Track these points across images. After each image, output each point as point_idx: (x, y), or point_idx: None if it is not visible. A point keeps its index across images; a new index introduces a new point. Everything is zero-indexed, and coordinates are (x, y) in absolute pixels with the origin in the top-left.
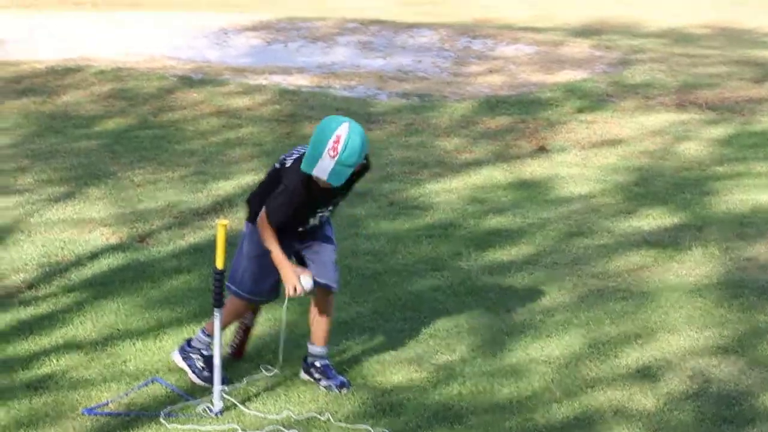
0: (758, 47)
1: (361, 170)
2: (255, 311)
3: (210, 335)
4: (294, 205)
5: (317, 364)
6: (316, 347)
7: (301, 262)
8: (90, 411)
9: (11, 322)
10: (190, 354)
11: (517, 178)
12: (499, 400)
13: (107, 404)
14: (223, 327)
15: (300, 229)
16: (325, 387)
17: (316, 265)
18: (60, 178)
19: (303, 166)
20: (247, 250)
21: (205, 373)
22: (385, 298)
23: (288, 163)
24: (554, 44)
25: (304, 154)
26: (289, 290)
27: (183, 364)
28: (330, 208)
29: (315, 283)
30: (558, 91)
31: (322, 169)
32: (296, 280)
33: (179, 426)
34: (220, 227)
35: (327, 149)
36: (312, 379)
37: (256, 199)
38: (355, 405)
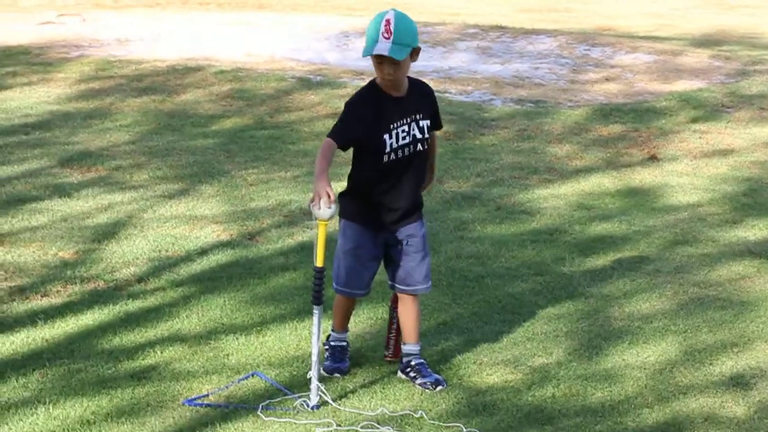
0: None
1: (426, 88)
2: (395, 307)
3: (333, 330)
4: (360, 117)
5: (413, 362)
6: (408, 345)
7: (388, 261)
8: (190, 402)
9: (119, 314)
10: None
11: (625, 185)
12: (592, 403)
13: (207, 396)
14: (336, 324)
15: (383, 176)
16: (420, 385)
17: (402, 270)
18: (175, 175)
19: (363, 53)
20: (340, 244)
21: (327, 363)
22: (486, 301)
23: None
24: (673, 54)
25: None
26: (309, 200)
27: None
28: (408, 126)
29: (331, 214)
30: (673, 100)
31: (382, 49)
32: (321, 197)
33: (276, 419)
34: (321, 225)
35: (381, 32)
36: (408, 378)
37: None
38: (450, 404)
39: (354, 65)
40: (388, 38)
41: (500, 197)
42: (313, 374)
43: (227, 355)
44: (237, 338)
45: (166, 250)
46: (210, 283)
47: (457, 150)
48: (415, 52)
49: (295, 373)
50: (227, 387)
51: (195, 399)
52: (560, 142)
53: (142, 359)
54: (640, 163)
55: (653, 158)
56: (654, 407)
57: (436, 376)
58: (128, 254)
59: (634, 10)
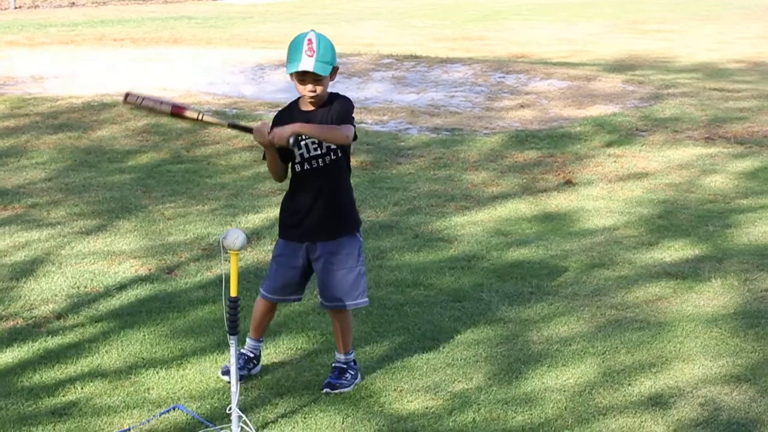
0: None
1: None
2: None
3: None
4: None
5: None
6: (339, 355)
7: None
8: None
9: (38, 351)
10: (342, 378)
11: (542, 211)
12: (512, 427)
13: (129, 430)
14: (250, 329)
15: (300, 185)
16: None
17: (320, 284)
18: (92, 211)
19: (288, 70)
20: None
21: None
22: (405, 329)
23: None
24: (587, 79)
25: None
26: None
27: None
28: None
29: (241, 245)
30: (588, 125)
31: (307, 65)
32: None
33: None
34: (233, 256)
35: (304, 51)
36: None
37: None
38: (371, 431)
39: (270, 97)
40: (311, 56)
41: (418, 225)
42: (233, 406)
43: (148, 389)
44: (157, 372)
45: (85, 286)
46: (129, 317)
47: (374, 179)
48: (334, 71)
49: (216, 405)
50: (149, 421)
51: None
52: (476, 169)
53: (63, 395)
54: (556, 188)
55: (569, 183)
56: (574, 429)
57: (335, 382)
58: (46, 291)
59: (548, 37)
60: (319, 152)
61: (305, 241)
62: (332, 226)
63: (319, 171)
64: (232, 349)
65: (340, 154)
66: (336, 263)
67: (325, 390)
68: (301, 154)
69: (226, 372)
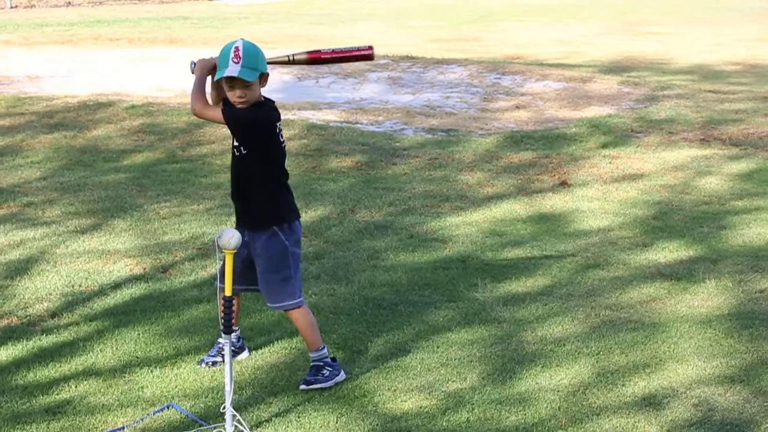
0: None
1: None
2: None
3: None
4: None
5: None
6: (312, 353)
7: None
8: None
9: (33, 350)
10: (315, 376)
11: (537, 211)
12: (506, 427)
13: (123, 429)
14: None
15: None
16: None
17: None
18: (87, 210)
19: (215, 78)
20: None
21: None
22: (399, 329)
23: None
24: (582, 80)
25: None
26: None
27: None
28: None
29: (236, 245)
30: (583, 126)
31: (233, 71)
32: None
33: None
34: (228, 255)
35: (231, 58)
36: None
37: None
38: (365, 430)
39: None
40: (237, 62)
41: (413, 225)
42: (227, 404)
43: (142, 387)
44: (151, 371)
45: (80, 285)
46: (124, 316)
47: (369, 180)
48: (264, 78)
49: (210, 403)
50: (142, 419)
51: (111, 431)
52: (471, 169)
53: (57, 394)
54: (551, 189)
55: (564, 184)
56: (568, 429)
57: (310, 378)
58: (41, 290)
59: (543, 38)
60: (235, 143)
61: (241, 228)
62: (248, 220)
63: (235, 161)
64: (227, 348)
65: (244, 152)
66: (261, 265)
67: (301, 387)
68: (232, 141)
69: (201, 362)
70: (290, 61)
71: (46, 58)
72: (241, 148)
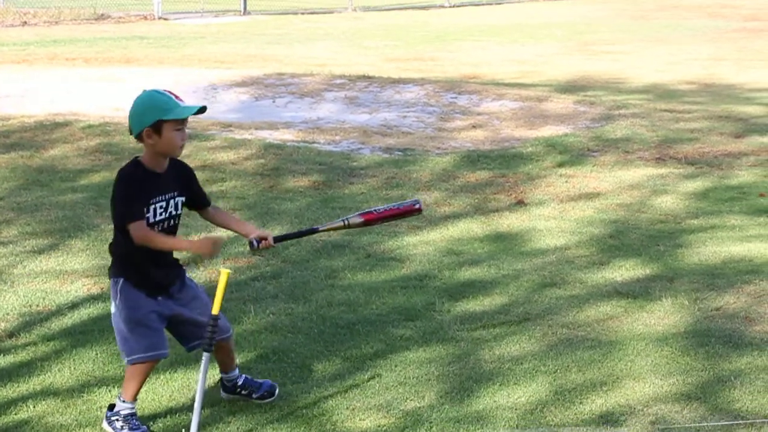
0: (741, 102)
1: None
2: None
3: (125, 401)
4: (134, 194)
5: (239, 382)
6: (232, 372)
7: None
8: None
9: None
10: (112, 418)
11: (494, 230)
12: None
13: None
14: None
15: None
16: (258, 399)
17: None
18: (44, 230)
19: (179, 114)
20: (124, 316)
21: (124, 431)
22: (357, 347)
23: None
24: (539, 100)
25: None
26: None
27: (109, 429)
28: (166, 202)
29: None
30: (539, 145)
31: (181, 111)
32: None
33: None
34: (223, 274)
35: (173, 98)
36: (241, 397)
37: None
38: None
39: (222, 117)
40: (181, 100)
41: (370, 245)
42: (194, 424)
43: (100, 407)
44: (110, 390)
45: (37, 305)
46: (81, 336)
47: (326, 199)
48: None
49: (168, 423)
50: None
51: None
52: (428, 189)
53: (15, 414)
54: (507, 208)
55: (520, 203)
56: None
57: (268, 382)
58: None
59: (499, 58)
60: (164, 216)
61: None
62: (178, 271)
63: (172, 227)
64: (203, 366)
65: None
66: (200, 301)
67: (276, 391)
68: (148, 218)
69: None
70: (346, 226)
71: (2, 78)
72: (179, 217)
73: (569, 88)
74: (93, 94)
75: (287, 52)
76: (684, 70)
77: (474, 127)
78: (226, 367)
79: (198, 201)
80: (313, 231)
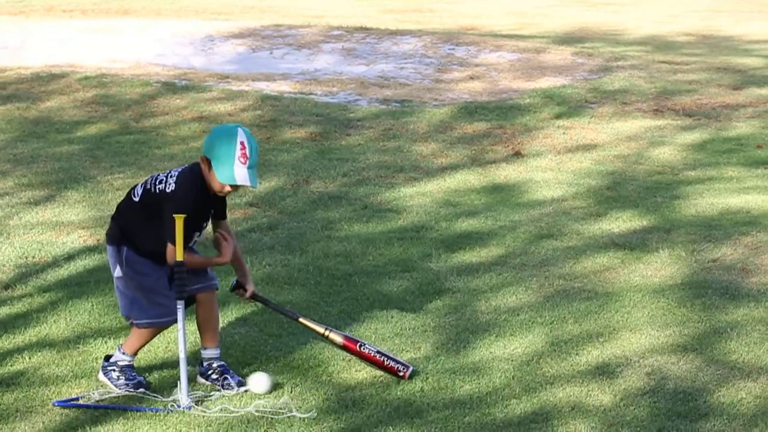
0: (739, 54)
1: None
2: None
3: (125, 353)
4: (188, 222)
5: (214, 365)
6: (211, 350)
7: None
8: (61, 402)
9: None
10: (108, 368)
11: (491, 182)
12: (460, 396)
13: (78, 399)
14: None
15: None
16: (224, 386)
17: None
18: (40, 182)
19: (223, 179)
20: (136, 283)
21: (121, 381)
22: (354, 298)
23: (167, 188)
24: (536, 51)
25: (182, 175)
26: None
27: (104, 379)
28: (205, 224)
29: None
30: (537, 97)
31: (243, 177)
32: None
33: (147, 420)
34: (178, 220)
35: (237, 158)
36: (209, 382)
37: (131, 225)
38: (319, 400)
39: (219, 69)
40: (245, 163)
41: (367, 196)
42: (182, 374)
43: (96, 358)
44: (105, 342)
45: (33, 257)
46: (77, 288)
47: (323, 150)
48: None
49: (164, 374)
50: (97, 390)
51: (66, 400)
52: (425, 140)
53: (11, 365)
54: (504, 160)
55: (518, 154)
56: (521, 398)
57: (238, 377)
58: None
59: (498, 10)
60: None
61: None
62: None
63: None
64: (180, 314)
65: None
66: None
67: (242, 389)
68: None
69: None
70: (324, 336)
71: None
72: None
73: (567, 39)
74: (90, 45)
75: (284, 4)
76: (682, 21)
77: (471, 78)
78: (204, 340)
79: (217, 216)
80: (294, 317)
